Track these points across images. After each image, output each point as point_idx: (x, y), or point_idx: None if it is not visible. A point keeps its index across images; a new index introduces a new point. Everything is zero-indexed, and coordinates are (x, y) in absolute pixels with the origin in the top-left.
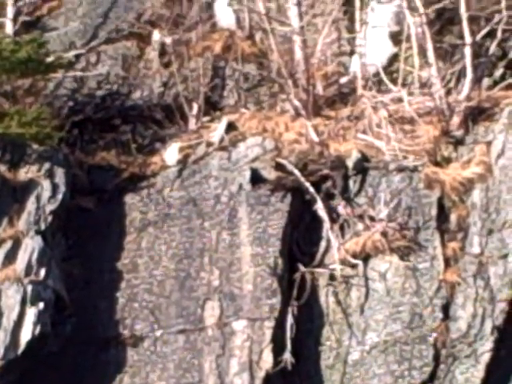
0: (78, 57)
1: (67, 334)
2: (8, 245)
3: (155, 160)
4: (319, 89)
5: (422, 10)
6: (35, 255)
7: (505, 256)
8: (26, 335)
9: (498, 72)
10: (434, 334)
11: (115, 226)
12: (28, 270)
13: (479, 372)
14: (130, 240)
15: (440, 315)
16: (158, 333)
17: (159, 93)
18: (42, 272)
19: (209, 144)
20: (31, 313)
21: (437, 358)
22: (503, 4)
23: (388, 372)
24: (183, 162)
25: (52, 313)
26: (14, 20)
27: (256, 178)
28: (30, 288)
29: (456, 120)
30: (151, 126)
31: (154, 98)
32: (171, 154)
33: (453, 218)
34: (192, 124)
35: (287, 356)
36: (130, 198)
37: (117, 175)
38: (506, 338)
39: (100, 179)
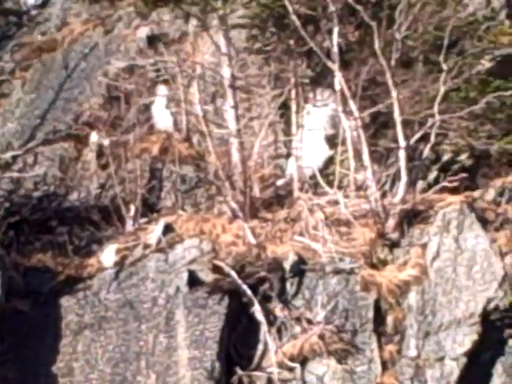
0: (14, 158)
1: None
2: None
3: (92, 262)
4: (256, 191)
5: (357, 114)
6: None
7: (441, 359)
8: None
9: (432, 175)
10: None
11: (51, 328)
12: None
13: None
14: (65, 343)
15: None
16: None
17: (96, 194)
18: None
19: (146, 246)
20: None
21: None
22: (436, 108)
23: None
24: (120, 264)
25: None
26: None
27: (193, 281)
28: None
29: (391, 222)
30: (88, 227)
31: (91, 200)
32: (108, 255)
33: (389, 320)
34: (129, 226)
35: None
36: (65, 301)
37: (53, 277)
38: None
39: (36, 281)
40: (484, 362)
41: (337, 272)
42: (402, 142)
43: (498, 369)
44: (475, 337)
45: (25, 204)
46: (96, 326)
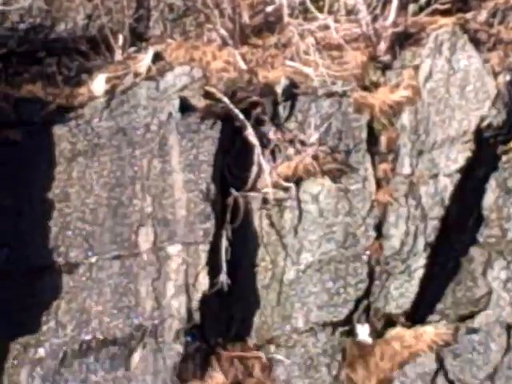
0: None
1: (1, 265)
2: None
3: (82, 91)
4: (245, 18)
5: None
6: None
7: (435, 175)
8: None
9: None
10: (368, 252)
11: (44, 157)
12: None
13: (413, 287)
14: (60, 170)
15: (373, 234)
16: (93, 259)
17: (83, 25)
18: None
19: (136, 74)
20: None
21: (371, 275)
22: None
23: (324, 290)
24: (111, 93)
25: None
26: None
27: (185, 107)
28: None
29: (383, 45)
30: (77, 58)
31: (78, 31)
32: (98, 84)
33: (383, 140)
34: (118, 55)
35: (223, 278)
36: (58, 129)
37: (44, 107)
38: (438, 254)
39: (27, 111)
40: (478, 178)
41: (329, 95)
42: None
43: (492, 184)
44: (469, 154)
45: (11, 36)
46: (90, 153)
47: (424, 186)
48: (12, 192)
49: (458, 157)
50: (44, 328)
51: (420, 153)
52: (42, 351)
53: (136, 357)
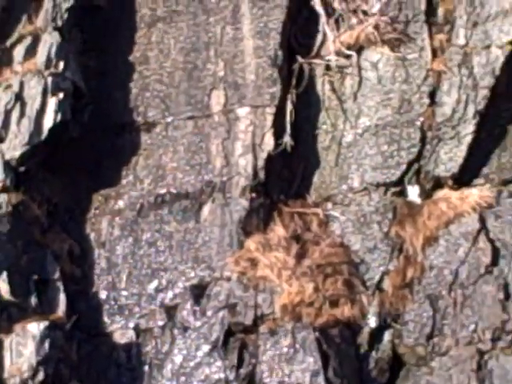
0: None
1: (85, 121)
2: (28, 40)
3: None
4: None
5: None
6: (54, 49)
7: (488, 47)
8: (48, 122)
9: None
10: (421, 118)
11: (126, 21)
12: (47, 63)
13: (461, 152)
14: (140, 35)
15: (427, 101)
16: (169, 119)
17: None
18: (61, 65)
19: None
20: (52, 102)
21: (423, 140)
22: None
23: (379, 153)
24: None
25: (71, 102)
26: None
27: None
28: (50, 80)
29: None
30: None
31: None
32: None
33: (440, 12)
34: None
35: (287, 139)
36: None
37: None
38: (486, 121)
39: None
40: None
41: None
42: None
43: None
44: None
45: None
46: (168, 19)
47: (477, 56)
48: (97, 53)
49: (510, 29)
50: (123, 182)
51: (474, 24)
52: (121, 203)
53: (205, 210)
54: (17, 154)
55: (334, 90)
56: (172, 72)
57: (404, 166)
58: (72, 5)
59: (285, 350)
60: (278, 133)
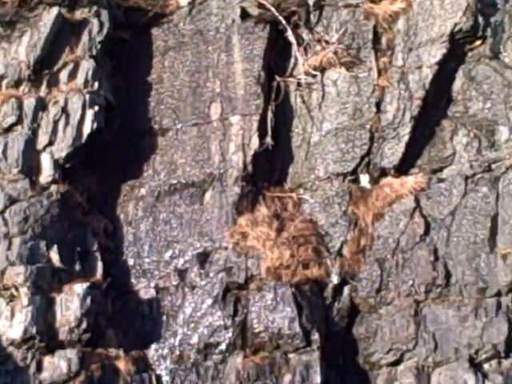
0: None
1: (115, 129)
2: (70, 66)
3: (172, 2)
4: None
5: None
6: (90, 73)
7: (420, 67)
8: (86, 129)
9: None
10: (370, 123)
11: (145, 51)
12: (86, 83)
13: (401, 148)
14: (156, 61)
15: (374, 109)
16: (179, 126)
17: None
18: (96, 85)
19: None
20: (90, 114)
21: (371, 139)
22: None
23: (338, 149)
24: (192, 4)
25: (104, 113)
26: None
27: (244, 15)
28: (87, 96)
29: None
30: None
31: None
32: None
33: (383, 40)
34: None
35: (268, 140)
36: (154, 31)
37: (145, 14)
38: (419, 124)
39: (133, 17)
40: (450, 69)
41: (346, 6)
42: None
43: (460, 73)
44: (444, 51)
45: None
46: (177, 49)
47: (411, 74)
48: (123, 76)
49: (436, 53)
50: (144, 174)
51: (409, 50)
52: (143, 191)
53: (207, 195)
54: (63, 154)
55: (303, 101)
56: (180, 89)
57: (357, 160)
58: (104, 38)
59: (269, 302)
60: (262, 135)
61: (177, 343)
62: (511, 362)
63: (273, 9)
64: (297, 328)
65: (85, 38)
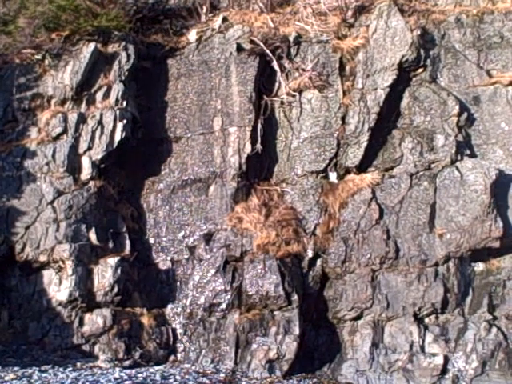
0: None
1: (139, 137)
2: (104, 88)
3: (183, 39)
4: None
5: None
6: (120, 94)
7: (375, 89)
8: (117, 137)
9: None
10: (337, 132)
11: (163, 76)
12: (116, 102)
13: (361, 152)
14: (171, 84)
15: (340, 122)
16: (189, 135)
17: (184, 0)
18: (124, 103)
19: (213, 29)
20: (120, 125)
21: (338, 145)
22: None
23: (312, 153)
24: (199, 40)
25: (131, 125)
26: None
27: (240, 48)
28: (118, 112)
29: (350, 13)
30: (180, 20)
31: (181, 4)
32: (192, 35)
33: (347, 68)
34: (203, 18)
35: (258, 146)
36: (170, 61)
37: (162, 48)
38: (375, 133)
39: (154, 50)
40: (398, 90)
41: (318, 42)
42: None
43: (406, 93)
44: (394, 76)
45: (144, 7)
46: (187, 75)
47: (369, 94)
48: (145, 96)
49: (388, 78)
50: (162, 172)
51: (367, 75)
52: (161, 185)
53: (212, 189)
54: (99, 157)
55: (285, 116)
56: (190, 106)
57: (327, 161)
58: (130, 67)
59: (259, 271)
60: (253, 142)
61: (188, 303)
62: (446, 316)
63: (262, 44)
64: (280, 291)
65: (115, 66)
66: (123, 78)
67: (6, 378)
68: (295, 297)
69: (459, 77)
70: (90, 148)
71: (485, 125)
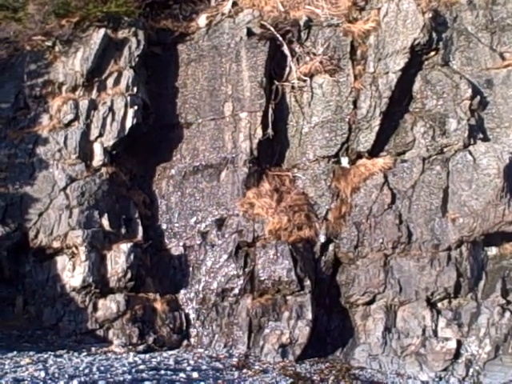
0: None
1: (150, 123)
2: (115, 75)
3: (193, 24)
4: None
5: None
6: (130, 80)
7: (387, 73)
8: (128, 124)
9: None
10: (349, 117)
11: (173, 62)
12: (127, 88)
13: (372, 136)
14: (181, 70)
15: (351, 106)
16: (200, 120)
17: None
18: (135, 89)
19: (223, 14)
20: (131, 111)
21: (350, 130)
22: None
23: (324, 138)
24: (209, 25)
25: (142, 111)
26: None
27: (250, 33)
28: (129, 98)
29: None
30: (190, 4)
31: None
32: (202, 20)
33: (358, 52)
34: (213, 2)
35: (269, 131)
36: (180, 46)
37: (172, 34)
38: (387, 117)
39: (163, 36)
40: (410, 74)
41: (329, 25)
42: None
43: (418, 77)
44: (406, 60)
45: None
46: (198, 60)
47: (380, 78)
48: (156, 82)
49: (400, 62)
50: (174, 158)
51: (379, 59)
52: (173, 171)
53: (223, 174)
54: (111, 143)
55: (296, 101)
56: (200, 92)
57: (339, 146)
58: (140, 53)
59: (271, 256)
60: (264, 127)
61: (200, 288)
62: (459, 301)
63: (272, 28)
64: (293, 276)
65: (126, 52)
66: (133, 64)
67: (22, 363)
68: (308, 282)
69: (472, 60)
70: (101, 134)
71: (498, 108)
